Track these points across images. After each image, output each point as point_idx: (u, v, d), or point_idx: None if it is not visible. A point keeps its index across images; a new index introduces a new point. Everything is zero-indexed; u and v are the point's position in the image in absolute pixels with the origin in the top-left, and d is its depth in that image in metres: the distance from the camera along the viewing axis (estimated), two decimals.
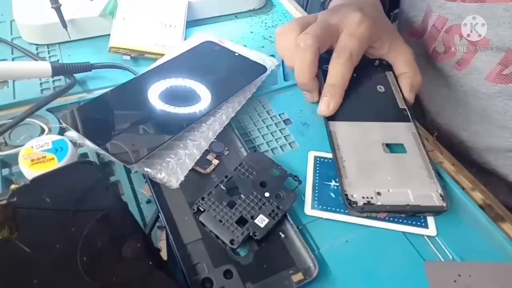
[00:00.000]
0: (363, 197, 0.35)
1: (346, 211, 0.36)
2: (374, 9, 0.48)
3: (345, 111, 0.42)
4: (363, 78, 0.46)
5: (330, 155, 0.40)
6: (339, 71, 0.42)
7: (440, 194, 0.36)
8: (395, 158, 0.39)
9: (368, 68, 0.48)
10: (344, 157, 0.38)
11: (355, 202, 0.35)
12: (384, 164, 0.38)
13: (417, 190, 0.36)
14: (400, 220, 0.36)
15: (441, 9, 0.51)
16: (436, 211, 0.35)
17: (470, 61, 0.52)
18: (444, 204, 0.35)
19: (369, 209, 0.35)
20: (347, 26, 0.44)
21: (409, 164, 0.38)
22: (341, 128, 0.41)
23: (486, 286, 0.32)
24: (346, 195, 0.35)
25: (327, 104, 0.42)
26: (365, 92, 0.45)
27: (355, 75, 0.45)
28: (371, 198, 0.35)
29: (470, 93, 0.54)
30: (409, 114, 0.43)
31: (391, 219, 0.36)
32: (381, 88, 0.46)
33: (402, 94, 0.45)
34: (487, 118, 0.54)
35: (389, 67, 0.48)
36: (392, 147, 0.40)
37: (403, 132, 0.41)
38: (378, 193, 0.36)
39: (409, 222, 0.36)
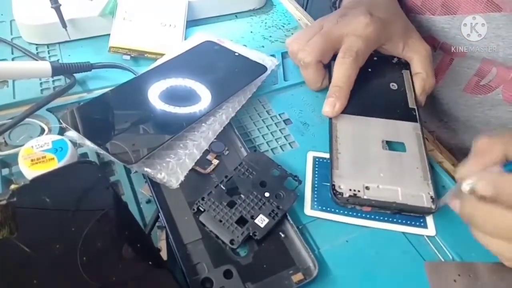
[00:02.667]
0: (350, 189, 0.36)
1: (346, 211, 0.36)
2: (386, 9, 0.47)
3: (351, 104, 0.42)
4: (377, 74, 0.46)
5: (329, 156, 0.39)
6: (344, 72, 0.42)
7: (431, 196, 0.36)
8: (392, 155, 0.39)
9: (385, 65, 0.48)
10: (339, 149, 0.39)
11: (341, 193, 0.35)
12: (379, 160, 0.38)
13: (407, 189, 0.36)
14: (400, 220, 0.36)
15: (412, 22, 0.50)
16: (423, 212, 0.36)
17: (445, 72, 0.52)
18: (433, 206, 0.35)
19: (353, 202, 0.35)
20: (353, 29, 0.44)
21: (406, 163, 0.38)
22: (343, 120, 0.41)
23: (486, 286, 0.32)
24: (334, 185, 0.36)
25: (332, 105, 0.42)
26: (376, 88, 0.45)
27: (369, 70, 0.45)
28: (358, 191, 0.36)
29: (451, 105, 0.54)
30: (417, 115, 0.43)
31: (391, 219, 0.36)
32: (394, 86, 0.46)
33: (415, 94, 0.45)
34: (472, 128, 0.54)
35: (406, 65, 0.48)
36: (391, 145, 0.40)
37: (407, 131, 0.41)
38: (367, 188, 0.36)
39: (409, 222, 0.36)
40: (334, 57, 0.45)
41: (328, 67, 0.46)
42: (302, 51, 0.45)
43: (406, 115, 0.43)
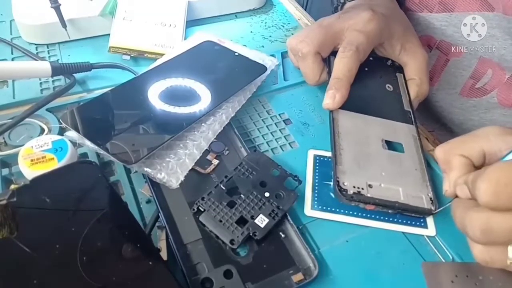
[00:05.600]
0: (354, 186, 0.35)
1: (346, 211, 0.36)
2: (388, 9, 0.47)
3: (350, 101, 0.42)
4: (374, 74, 0.46)
5: (330, 154, 0.39)
6: (345, 65, 0.42)
7: (430, 198, 0.36)
8: (392, 155, 0.39)
9: (380, 66, 0.48)
10: (342, 144, 0.39)
11: (345, 190, 0.35)
12: (380, 159, 0.38)
13: (408, 190, 0.36)
14: (400, 220, 0.36)
15: (409, 21, 0.50)
16: (423, 213, 0.36)
17: (440, 74, 0.52)
18: (433, 208, 0.35)
19: (358, 199, 0.35)
20: (355, 24, 0.44)
21: (405, 164, 0.39)
22: (344, 116, 0.41)
23: (483, 287, 0.31)
24: (338, 181, 0.35)
25: (333, 97, 0.41)
26: (373, 88, 0.45)
27: (366, 69, 0.45)
28: (362, 189, 0.35)
29: (446, 108, 0.54)
30: (412, 117, 0.43)
31: (391, 219, 0.36)
32: (389, 87, 0.46)
33: (409, 97, 0.45)
34: (468, 131, 0.54)
35: (400, 68, 0.48)
36: (390, 145, 0.40)
37: (404, 132, 0.42)
38: (370, 186, 0.36)
39: (409, 222, 0.36)
40: (333, 53, 0.45)
41: (327, 62, 0.46)
42: (301, 42, 0.44)
43: (403, 117, 0.43)
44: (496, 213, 0.27)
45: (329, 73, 0.44)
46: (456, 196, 0.32)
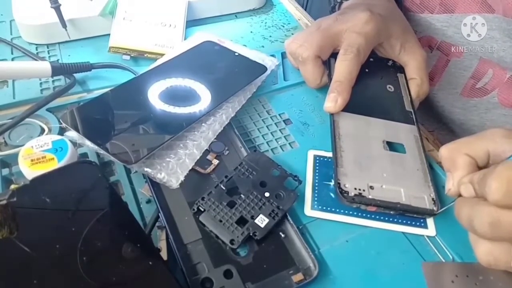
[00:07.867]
0: (355, 188, 0.35)
1: (346, 211, 0.36)
2: (385, 9, 0.47)
3: (351, 103, 0.42)
4: (374, 75, 0.46)
5: (330, 154, 0.39)
6: (346, 68, 0.42)
7: (433, 198, 0.36)
8: (393, 156, 0.39)
9: (381, 67, 0.48)
10: (343, 146, 0.39)
11: (347, 192, 0.35)
12: (381, 160, 0.38)
13: (410, 191, 0.36)
14: (400, 220, 0.36)
15: (410, 22, 0.50)
16: (425, 214, 0.36)
17: (441, 74, 0.52)
18: (435, 208, 0.35)
19: (359, 201, 0.35)
20: (353, 26, 0.44)
21: (406, 165, 0.38)
22: (345, 118, 0.41)
23: (483, 287, 0.31)
24: (339, 184, 0.35)
25: (334, 100, 0.41)
26: (374, 89, 0.45)
27: (367, 70, 0.45)
28: (363, 190, 0.35)
29: (447, 108, 0.54)
30: (414, 117, 0.43)
31: (391, 219, 0.36)
32: (390, 88, 0.46)
33: (410, 97, 0.45)
34: (468, 131, 0.54)
35: (401, 69, 0.48)
36: (392, 146, 0.40)
37: (405, 133, 0.42)
38: (371, 187, 0.36)
39: (409, 222, 0.36)
40: (333, 55, 0.45)
41: (327, 65, 0.46)
42: (301, 46, 0.45)
43: (404, 117, 0.43)
44: (506, 209, 0.27)
45: (330, 76, 0.44)
46: (459, 195, 0.32)
